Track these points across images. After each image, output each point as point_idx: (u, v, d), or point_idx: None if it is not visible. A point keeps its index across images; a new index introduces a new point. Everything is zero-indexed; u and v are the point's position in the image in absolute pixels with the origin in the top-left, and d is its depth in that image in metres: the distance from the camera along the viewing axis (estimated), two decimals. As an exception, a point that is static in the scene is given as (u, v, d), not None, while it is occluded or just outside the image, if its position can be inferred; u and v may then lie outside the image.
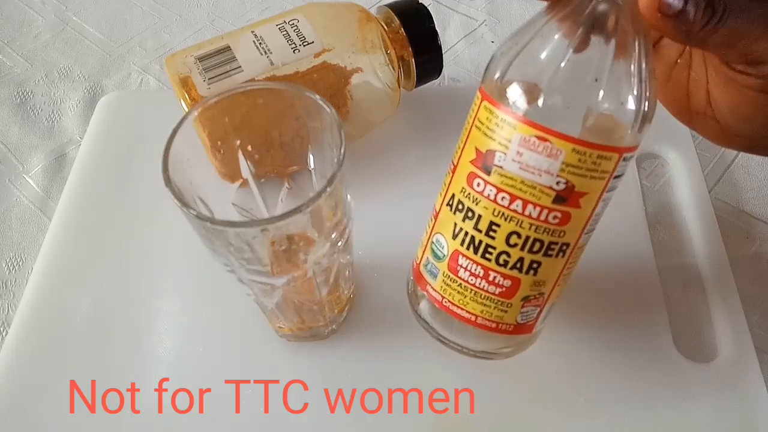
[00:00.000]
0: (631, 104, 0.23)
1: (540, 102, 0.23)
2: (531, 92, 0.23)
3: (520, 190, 0.23)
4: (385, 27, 0.37)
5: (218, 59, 0.34)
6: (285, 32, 0.35)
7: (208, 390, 0.30)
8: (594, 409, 0.30)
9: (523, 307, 0.26)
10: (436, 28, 0.37)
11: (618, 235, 0.35)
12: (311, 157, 0.29)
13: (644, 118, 0.23)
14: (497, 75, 0.24)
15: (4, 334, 0.34)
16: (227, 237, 0.23)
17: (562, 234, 0.24)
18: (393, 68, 0.37)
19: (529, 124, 0.23)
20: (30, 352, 0.32)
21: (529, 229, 0.24)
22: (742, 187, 0.39)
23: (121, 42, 0.50)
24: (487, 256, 0.25)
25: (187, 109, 0.33)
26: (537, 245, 0.24)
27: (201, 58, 0.34)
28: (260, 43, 0.34)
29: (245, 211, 0.30)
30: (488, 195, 0.24)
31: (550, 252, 0.25)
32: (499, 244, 0.25)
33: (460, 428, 0.29)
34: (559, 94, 0.23)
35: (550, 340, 0.32)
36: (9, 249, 0.38)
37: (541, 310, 0.27)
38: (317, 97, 0.25)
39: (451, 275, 0.26)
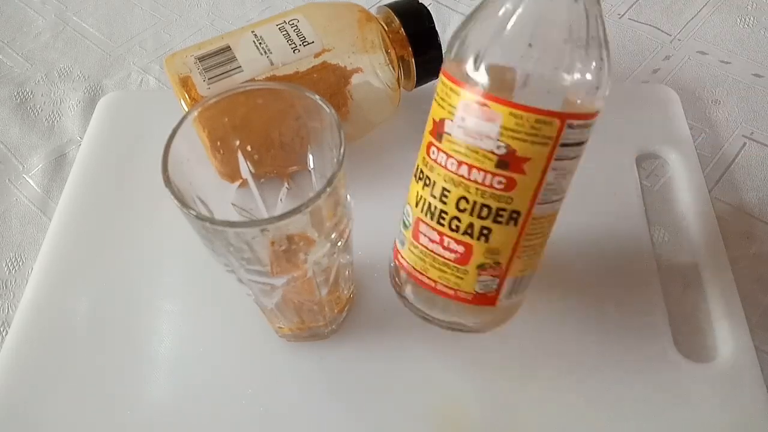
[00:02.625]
0: (568, 70, 0.23)
1: (481, 69, 0.24)
2: (475, 61, 0.24)
3: (465, 155, 0.24)
4: (385, 27, 0.37)
5: (218, 59, 0.34)
6: (285, 32, 0.35)
7: (208, 390, 0.30)
8: (594, 409, 0.30)
9: (479, 275, 0.26)
10: (436, 28, 0.37)
11: (618, 235, 0.35)
12: (311, 157, 0.29)
13: (588, 86, 0.24)
14: (451, 48, 0.25)
15: (4, 334, 0.34)
16: (227, 237, 0.23)
17: (509, 200, 0.25)
18: (393, 68, 0.37)
19: (470, 90, 0.24)
20: (30, 352, 0.32)
21: (476, 194, 0.25)
22: (742, 187, 0.39)
23: (121, 42, 0.50)
24: (441, 221, 0.26)
25: (187, 109, 0.33)
26: (485, 211, 0.25)
27: (201, 58, 0.34)
28: (260, 43, 0.34)
29: (245, 211, 0.30)
30: (440, 162, 0.25)
31: (499, 219, 0.25)
32: (451, 209, 0.25)
33: (460, 428, 0.29)
34: (499, 60, 0.24)
35: (550, 341, 0.32)
36: (9, 249, 0.38)
37: (501, 282, 0.27)
38: (317, 97, 0.25)
39: (414, 242, 0.27)
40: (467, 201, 0.25)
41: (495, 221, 0.25)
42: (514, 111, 0.23)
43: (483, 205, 0.25)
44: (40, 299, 0.34)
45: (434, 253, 0.27)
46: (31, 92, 0.47)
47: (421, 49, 0.37)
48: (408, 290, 0.29)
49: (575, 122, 0.24)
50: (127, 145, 0.40)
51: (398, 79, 0.37)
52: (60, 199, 0.38)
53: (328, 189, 0.22)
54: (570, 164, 0.25)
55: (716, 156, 0.40)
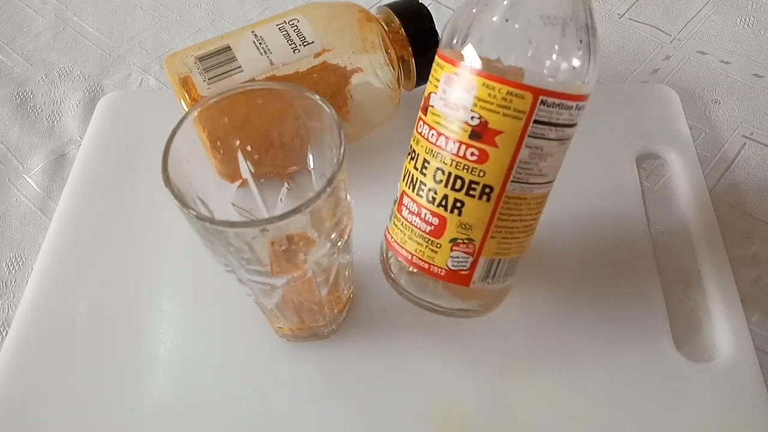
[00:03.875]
0: (542, 46, 0.24)
1: (462, 43, 0.25)
2: (458, 36, 0.25)
3: (443, 126, 0.25)
4: (385, 27, 0.37)
5: (218, 59, 0.34)
6: (285, 32, 0.35)
7: (208, 390, 0.30)
8: (594, 409, 0.30)
9: (452, 250, 0.27)
10: (436, 28, 0.37)
11: (618, 235, 0.35)
12: (311, 157, 0.29)
13: (565, 65, 0.24)
14: (444, 31, 0.27)
15: (4, 334, 0.34)
16: (227, 237, 0.23)
17: (482, 174, 0.25)
18: (393, 68, 0.37)
19: (449, 62, 0.25)
20: (30, 352, 0.32)
21: (451, 165, 0.25)
22: (742, 187, 0.39)
23: (121, 42, 0.50)
24: (420, 192, 0.27)
25: (187, 109, 0.33)
26: (458, 182, 0.26)
27: (201, 58, 0.34)
28: (260, 43, 0.34)
29: (245, 211, 0.30)
30: (423, 133, 0.27)
31: (471, 192, 0.26)
32: (429, 180, 0.26)
33: (460, 427, 0.29)
34: (480, 35, 0.24)
35: (550, 340, 0.32)
36: (9, 249, 0.38)
37: (474, 261, 0.27)
38: (317, 97, 0.25)
39: (398, 214, 0.28)
40: (443, 172, 0.26)
41: (468, 194, 0.26)
42: (488, 82, 0.24)
43: (457, 177, 0.26)
44: (40, 299, 0.34)
45: (412, 225, 0.27)
46: (31, 92, 0.47)
47: (421, 49, 0.37)
48: (397, 271, 0.30)
49: (549, 99, 0.24)
50: (127, 145, 0.40)
51: (398, 79, 0.37)
52: (60, 199, 0.38)
53: (328, 189, 0.22)
54: (549, 146, 0.25)
55: (716, 156, 0.40)
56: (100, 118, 0.42)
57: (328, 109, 0.25)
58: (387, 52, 0.36)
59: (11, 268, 0.37)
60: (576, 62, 0.24)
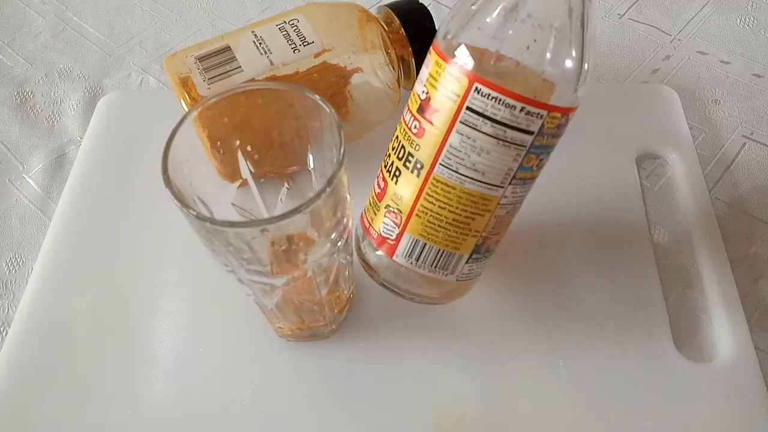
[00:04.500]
0: (492, 37, 0.24)
1: (447, 27, 0.26)
2: (447, 28, 0.26)
3: (411, 99, 0.27)
4: (385, 27, 0.37)
5: (218, 59, 0.34)
6: (285, 32, 0.35)
7: (208, 390, 0.30)
8: (594, 409, 0.30)
9: (385, 216, 0.28)
10: (436, 28, 0.37)
11: (618, 235, 0.35)
12: (311, 157, 0.29)
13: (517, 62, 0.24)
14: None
15: (4, 334, 0.34)
16: (227, 237, 0.23)
17: (417, 147, 0.26)
18: (393, 68, 0.37)
19: (433, 46, 0.26)
20: (30, 352, 0.32)
21: (402, 134, 0.27)
22: (742, 187, 0.39)
23: (121, 42, 0.50)
24: (385, 159, 0.28)
25: (187, 109, 0.33)
26: (402, 151, 0.27)
27: (201, 58, 0.34)
28: (260, 43, 0.34)
29: (245, 211, 0.30)
30: (404, 111, 0.28)
31: (407, 163, 0.27)
32: (391, 149, 0.28)
33: (461, 427, 0.29)
34: (454, 24, 0.25)
35: (550, 340, 0.32)
36: (9, 249, 0.38)
37: (400, 234, 0.28)
38: (317, 97, 0.25)
39: (372, 192, 0.30)
40: (398, 140, 0.27)
41: (404, 165, 0.27)
42: (438, 59, 0.25)
43: (402, 146, 0.27)
44: (40, 299, 0.34)
45: (373, 191, 0.29)
46: (31, 92, 0.47)
47: (421, 49, 0.37)
48: (368, 253, 0.30)
49: (485, 89, 0.24)
50: (127, 145, 0.40)
51: (398, 79, 0.37)
52: (60, 199, 0.38)
53: (328, 189, 0.22)
54: (483, 140, 0.25)
55: (716, 156, 0.40)
56: (100, 118, 0.42)
57: (328, 109, 0.25)
58: (387, 52, 0.36)
59: (11, 268, 0.37)
60: (534, 62, 0.23)
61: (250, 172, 0.29)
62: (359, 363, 0.31)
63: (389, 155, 0.28)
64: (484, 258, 0.29)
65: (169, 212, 0.27)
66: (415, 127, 0.26)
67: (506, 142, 0.25)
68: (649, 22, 0.49)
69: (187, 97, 0.33)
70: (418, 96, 0.26)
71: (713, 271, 0.34)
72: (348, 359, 0.31)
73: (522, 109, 0.24)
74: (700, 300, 0.33)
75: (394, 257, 0.28)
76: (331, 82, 0.35)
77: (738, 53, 0.46)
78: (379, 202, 0.28)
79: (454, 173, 0.26)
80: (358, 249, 0.31)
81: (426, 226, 0.27)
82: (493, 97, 0.24)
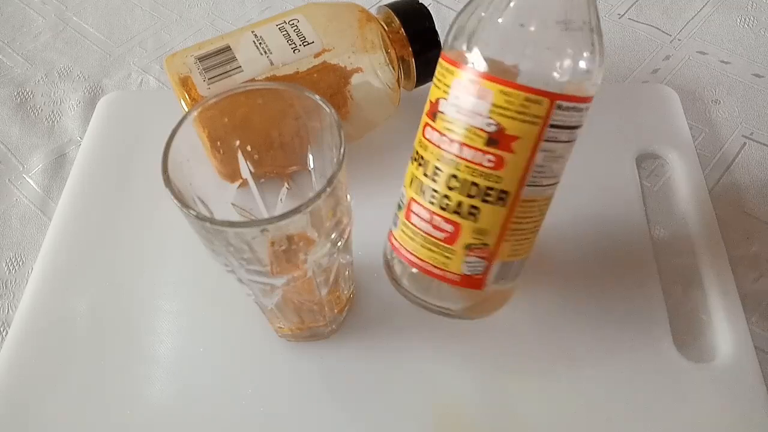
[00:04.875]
0: (559, 51, 0.24)
1: (474, 49, 0.24)
2: (469, 41, 0.25)
3: (457, 133, 0.25)
4: (385, 27, 0.37)
5: (218, 59, 0.34)
6: (285, 32, 0.35)
7: (208, 390, 0.30)
8: (593, 409, 0.30)
9: (467, 256, 0.27)
10: (436, 28, 0.37)
11: (618, 235, 0.35)
12: (311, 157, 0.29)
13: (578, 68, 0.24)
14: (449, 32, 0.26)
15: (4, 334, 0.34)
16: (227, 237, 0.23)
17: (498, 180, 0.25)
18: (393, 68, 0.37)
19: (463, 69, 0.25)
20: (30, 352, 0.32)
21: (466, 172, 0.25)
22: (742, 187, 0.39)
23: (121, 42, 0.50)
24: (432, 200, 0.26)
25: (187, 109, 0.33)
26: (474, 189, 0.25)
27: (201, 58, 0.34)
28: (260, 43, 0.34)
29: (245, 211, 0.30)
30: (434, 140, 0.26)
31: (487, 198, 0.25)
32: (441, 187, 0.26)
33: (461, 428, 0.29)
34: (492, 41, 0.24)
35: (549, 340, 0.32)
36: (9, 249, 0.38)
37: (489, 265, 0.27)
38: (317, 97, 0.25)
39: (406, 222, 0.28)
40: (457, 179, 0.25)
41: (483, 200, 0.25)
42: (504, 89, 0.24)
43: (472, 184, 0.25)
44: (40, 299, 0.34)
45: (424, 232, 0.27)
46: (31, 92, 0.47)
47: (421, 49, 0.37)
48: (400, 273, 0.29)
49: (565, 104, 0.24)
50: (127, 145, 0.40)
51: (398, 79, 0.37)
52: (60, 199, 0.38)
53: (328, 189, 0.22)
54: (561, 148, 0.25)
55: (716, 156, 0.40)
56: (100, 118, 0.42)
57: (328, 109, 0.25)
58: (387, 52, 0.36)
59: (11, 268, 0.37)
60: (589, 65, 0.24)
61: (250, 172, 0.29)
62: (359, 363, 0.31)
63: (446, 196, 0.26)
64: None
65: (169, 212, 0.27)
66: (488, 161, 0.25)
67: (573, 141, 0.26)
68: (649, 22, 0.49)
69: (187, 97, 0.33)
70: (481, 130, 0.24)
71: (713, 271, 0.34)
72: (348, 359, 0.31)
73: (585, 108, 0.25)
74: (700, 300, 0.33)
75: (484, 288, 0.28)
76: (331, 82, 0.35)
77: (738, 53, 0.46)
78: (451, 245, 0.26)
79: (538, 188, 0.26)
80: (388, 268, 0.30)
81: (514, 245, 0.27)
82: (570, 108, 0.24)
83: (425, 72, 0.38)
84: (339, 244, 0.26)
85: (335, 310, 0.31)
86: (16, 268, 0.37)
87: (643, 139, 0.40)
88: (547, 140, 0.25)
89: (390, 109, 0.39)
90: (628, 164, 0.38)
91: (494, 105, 0.24)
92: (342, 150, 0.23)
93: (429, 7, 0.38)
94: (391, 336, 0.32)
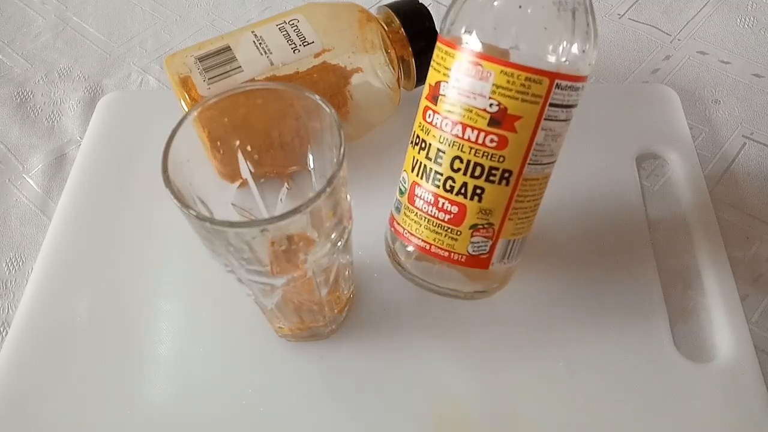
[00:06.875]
0: (557, 31, 0.24)
1: (474, 31, 0.25)
2: (468, 24, 0.25)
3: (459, 114, 0.25)
4: (385, 27, 0.37)
5: (218, 59, 0.34)
6: (285, 32, 0.35)
7: (208, 390, 0.30)
8: (593, 408, 0.30)
9: (472, 236, 0.27)
10: (436, 28, 0.37)
11: (618, 235, 0.35)
12: (311, 157, 0.29)
13: (575, 47, 0.25)
14: (447, 16, 0.27)
15: (4, 334, 0.34)
16: (227, 237, 0.23)
17: (501, 159, 0.25)
18: (393, 68, 0.37)
19: (463, 51, 0.25)
20: (30, 352, 0.32)
21: (470, 153, 0.26)
22: (742, 187, 0.39)
23: (121, 42, 0.50)
24: (436, 182, 0.27)
25: (187, 109, 0.33)
26: (478, 170, 0.26)
27: (201, 58, 0.34)
28: (260, 43, 0.34)
29: (245, 211, 0.30)
30: (435, 123, 0.26)
31: (491, 177, 0.26)
32: (445, 170, 0.26)
33: (461, 427, 0.29)
34: (491, 22, 0.25)
35: (549, 340, 0.32)
36: (9, 249, 0.38)
37: (494, 244, 0.27)
38: (317, 97, 0.25)
39: (410, 206, 0.28)
40: (461, 161, 0.26)
41: (488, 180, 0.26)
42: (506, 69, 0.24)
43: (476, 164, 0.26)
44: (40, 299, 0.34)
45: (429, 215, 0.27)
46: (31, 92, 0.47)
47: (421, 49, 0.37)
48: (403, 257, 0.30)
49: (563, 83, 0.25)
50: (127, 145, 0.40)
51: (398, 79, 0.37)
52: (60, 199, 0.38)
53: (328, 189, 0.22)
54: (559, 127, 0.26)
55: (716, 156, 0.40)
56: (100, 118, 0.42)
57: (328, 109, 0.25)
58: (387, 52, 0.36)
59: (11, 268, 0.37)
60: (585, 45, 0.25)
61: (250, 172, 0.29)
62: (359, 363, 0.31)
63: (451, 178, 0.26)
64: None
65: (169, 212, 0.27)
66: (491, 141, 0.25)
67: (569, 120, 0.26)
68: (649, 22, 0.49)
69: (187, 97, 0.33)
70: (484, 110, 0.25)
71: (713, 271, 0.34)
72: (348, 359, 0.31)
73: (582, 87, 0.26)
74: (700, 300, 0.33)
75: (490, 268, 0.28)
76: (331, 82, 0.35)
77: (738, 53, 0.46)
78: (457, 226, 0.27)
79: (539, 166, 0.26)
80: (391, 252, 0.31)
81: (517, 224, 0.28)
82: (568, 87, 0.25)
83: (425, 72, 0.38)
84: (339, 244, 0.26)
85: (335, 310, 0.31)
86: (16, 268, 0.37)
87: (643, 139, 0.40)
88: (547, 119, 0.25)
89: (390, 109, 0.39)
90: (628, 164, 0.38)
91: (495, 85, 0.24)
92: (342, 150, 0.23)
93: (429, 7, 0.38)
94: (391, 336, 0.32)
